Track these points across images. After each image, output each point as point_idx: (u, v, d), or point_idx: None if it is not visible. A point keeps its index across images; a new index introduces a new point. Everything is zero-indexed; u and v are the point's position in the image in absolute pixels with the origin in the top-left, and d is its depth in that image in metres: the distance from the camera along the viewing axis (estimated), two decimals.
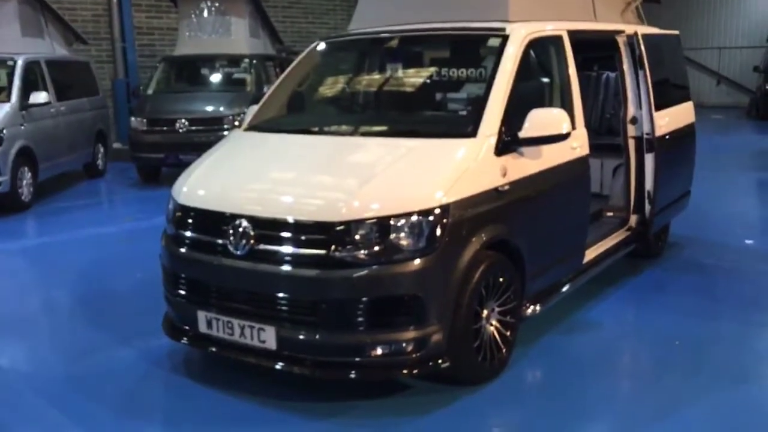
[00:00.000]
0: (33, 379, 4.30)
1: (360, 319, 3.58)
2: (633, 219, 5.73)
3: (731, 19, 22.23)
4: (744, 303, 5.30)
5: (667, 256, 6.37)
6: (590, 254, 5.10)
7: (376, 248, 3.58)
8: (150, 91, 11.45)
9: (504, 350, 4.09)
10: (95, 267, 6.67)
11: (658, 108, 5.65)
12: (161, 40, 14.96)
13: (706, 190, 7.96)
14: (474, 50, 4.95)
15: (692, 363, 4.35)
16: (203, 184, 4.26)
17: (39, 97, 9.52)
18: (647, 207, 5.67)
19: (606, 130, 6.37)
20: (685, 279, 5.86)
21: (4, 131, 8.77)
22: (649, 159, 5.60)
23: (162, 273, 4.29)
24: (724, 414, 3.73)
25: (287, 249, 3.70)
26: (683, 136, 6.24)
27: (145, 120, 10.65)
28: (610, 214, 5.86)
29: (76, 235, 7.90)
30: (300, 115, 5.33)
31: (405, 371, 3.70)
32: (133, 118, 10.89)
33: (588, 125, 4.94)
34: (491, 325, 4.02)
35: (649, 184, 5.62)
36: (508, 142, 4.09)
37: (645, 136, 5.59)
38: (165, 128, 10.54)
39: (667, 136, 5.76)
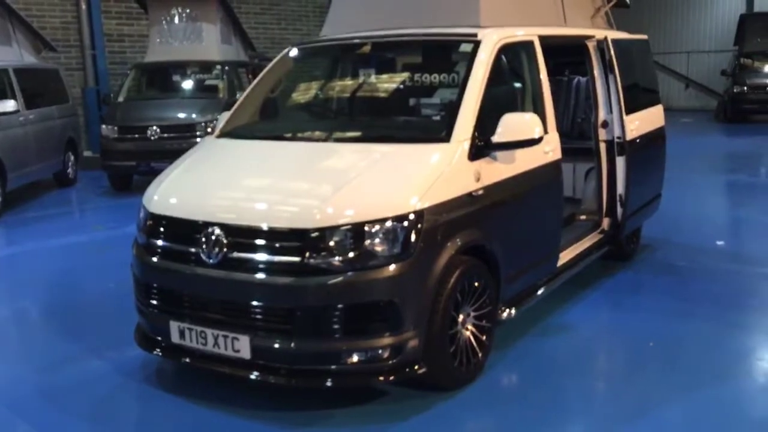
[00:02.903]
0: (2, 391, 4.21)
1: (336, 326, 3.56)
2: (605, 222, 5.77)
3: (699, 24, 22.59)
4: (717, 303, 5.36)
5: (640, 259, 6.43)
6: (564, 257, 5.13)
7: (351, 254, 3.56)
8: (121, 99, 11.33)
9: (480, 355, 4.09)
10: (66, 277, 6.57)
11: (629, 112, 5.71)
12: (132, 47, 14.81)
13: (677, 193, 8.06)
14: (446, 56, 4.96)
15: (667, 363, 4.38)
16: (175, 192, 4.21)
17: (7, 105, 9.38)
18: (619, 210, 5.71)
19: (577, 134, 6.42)
20: (658, 280, 5.92)
21: None
22: (620, 162, 5.65)
23: (133, 283, 4.23)
24: (699, 413, 3.77)
25: (261, 257, 3.67)
26: (654, 140, 6.31)
27: (116, 128, 10.53)
28: (582, 217, 5.90)
29: (46, 245, 7.78)
30: (273, 121, 5.30)
31: (381, 378, 3.68)
32: (103, 126, 10.76)
33: (560, 129, 4.97)
34: (467, 329, 4.02)
35: (620, 188, 5.67)
36: (482, 147, 4.11)
37: (616, 139, 5.64)
38: (136, 136, 10.42)
39: (637, 140, 5.82)
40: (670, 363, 4.39)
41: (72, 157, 11.49)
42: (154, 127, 10.32)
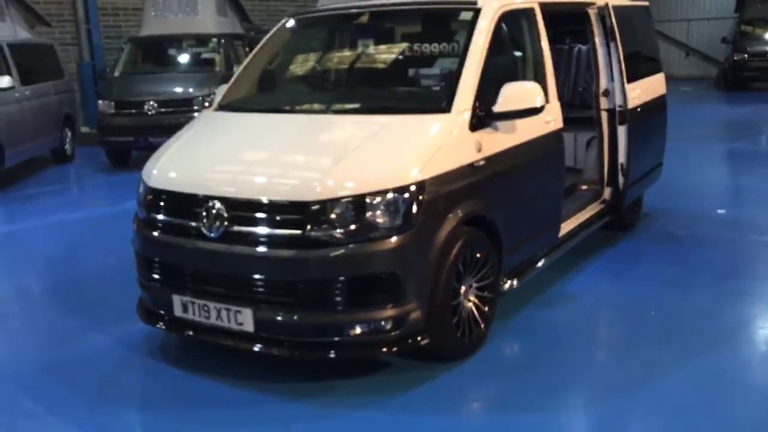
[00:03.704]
0: (5, 367, 4.22)
1: (338, 298, 3.56)
2: (607, 192, 5.75)
3: None
4: (717, 272, 5.37)
5: (641, 228, 6.42)
6: (566, 227, 5.11)
7: (352, 227, 3.55)
8: (117, 74, 11.23)
9: (482, 325, 4.10)
10: (66, 254, 6.56)
11: (630, 80, 5.66)
12: (126, 20, 14.64)
13: (678, 162, 8.03)
14: (446, 24, 4.90)
15: (668, 332, 4.39)
16: (174, 166, 4.18)
17: (2, 81, 9.31)
18: (620, 179, 5.69)
19: (579, 103, 6.36)
20: (659, 249, 5.92)
21: None
22: (621, 131, 5.61)
23: (135, 258, 4.22)
24: (700, 381, 3.79)
25: (262, 230, 3.65)
26: (655, 108, 6.26)
27: (112, 103, 10.46)
28: (584, 187, 5.88)
29: (45, 222, 7.76)
30: (271, 93, 5.25)
31: (384, 349, 3.69)
32: (100, 101, 10.70)
33: (561, 99, 4.93)
34: (469, 300, 4.02)
35: (622, 157, 5.64)
36: (483, 117, 4.07)
37: (617, 108, 5.60)
38: (133, 111, 10.36)
39: (639, 108, 5.77)
40: (671, 331, 4.40)
41: (69, 133, 11.42)
42: (152, 102, 10.26)
